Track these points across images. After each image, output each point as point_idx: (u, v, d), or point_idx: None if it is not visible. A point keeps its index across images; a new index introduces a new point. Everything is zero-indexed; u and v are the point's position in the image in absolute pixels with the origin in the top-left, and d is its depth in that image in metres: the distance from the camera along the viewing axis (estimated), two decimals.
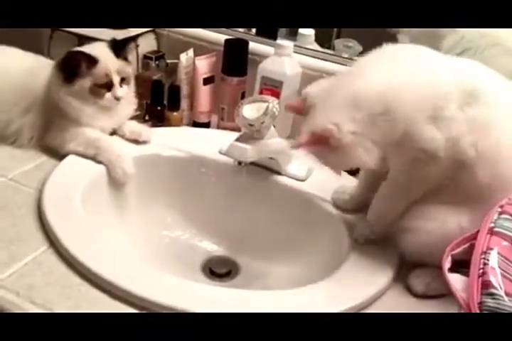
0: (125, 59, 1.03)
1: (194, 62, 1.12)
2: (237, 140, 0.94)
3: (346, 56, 1.27)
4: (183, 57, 1.13)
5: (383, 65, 0.79)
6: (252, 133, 0.94)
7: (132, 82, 1.05)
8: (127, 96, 1.03)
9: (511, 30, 1.09)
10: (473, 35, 1.11)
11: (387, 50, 0.81)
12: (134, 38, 1.09)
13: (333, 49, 1.24)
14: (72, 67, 0.97)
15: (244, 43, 1.11)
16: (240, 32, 1.20)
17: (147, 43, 1.23)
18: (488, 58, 1.08)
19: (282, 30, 1.25)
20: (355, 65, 0.84)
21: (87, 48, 1.00)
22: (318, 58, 1.13)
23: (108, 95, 0.99)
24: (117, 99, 1.00)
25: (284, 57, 1.06)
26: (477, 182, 0.76)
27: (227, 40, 1.12)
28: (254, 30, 1.22)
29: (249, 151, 0.93)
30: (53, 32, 1.17)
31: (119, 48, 1.02)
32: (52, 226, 0.83)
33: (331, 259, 0.89)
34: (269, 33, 1.19)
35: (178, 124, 1.16)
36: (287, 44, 1.05)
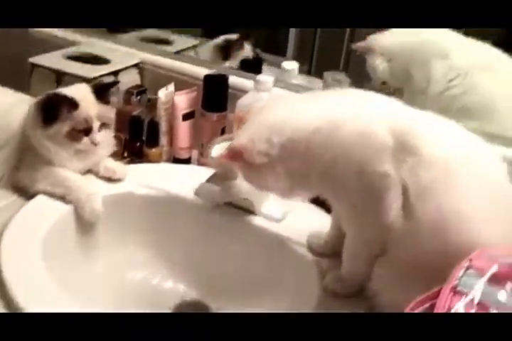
0: (107, 102, 1.01)
1: (173, 98, 1.10)
2: (208, 180, 0.91)
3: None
4: (161, 92, 1.10)
5: (330, 102, 0.76)
6: (223, 173, 0.91)
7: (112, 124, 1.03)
8: (105, 138, 1.01)
9: (496, 54, 1.08)
10: (461, 62, 1.09)
11: (346, 91, 0.79)
12: (117, 82, 1.08)
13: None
14: (52, 109, 0.94)
15: (224, 78, 1.09)
16: (223, 67, 1.19)
17: (130, 77, 1.22)
18: (477, 83, 1.07)
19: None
20: (308, 93, 0.82)
21: (68, 90, 0.98)
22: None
23: (85, 140, 0.96)
24: (95, 144, 0.97)
25: (263, 93, 1.03)
26: (424, 249, 0.69)
27: (206, 76, 1.09)
28: (238, 65, 1.20)
29: (219, 193, 0.89)
30: (33, 68, 1.17)
31: (100, 92, 1.00)
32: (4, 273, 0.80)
33: (303, 305, 0.84)
34: (253, 67, 1.17)
35: (158, 160, 1.13)
36: (266, 79, 1.02)
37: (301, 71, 1.33)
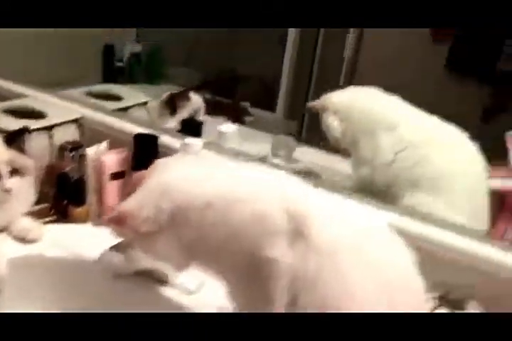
0: (21, 150, 0.98)
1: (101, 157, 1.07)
2: (113, 247, 0.86)
3: (280, 153, 1.23)
4: (90, 150, 1.07)
5: (230, 175, 0.72)
6: (128, 241, 0.85)
7: (31, 176, 0.99)
8: (21, 192, 0.96)
9: (444, 127, 1.05)
10: (409, 135, 1.07)
11: (252, 166, 0.75)
12: (26, 129, 1.04)
13: None
14: None
15: (154, 139, 1.06)
16: (162, 127, 1.17)
17: (68, 133, 1.18)
18: (426, 156, 1.04)
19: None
20: (215, 161, 0.78)
21: None
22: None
23: None
24: (6, 190, 0.93)
25: (190, 156, 0.99)
26: None
27: (136, 136, 1.06)
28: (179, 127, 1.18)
29: (122, 262, 0.84)
30: None
31: (11, 139, 0.97)
32: None
33: None
34: (192, 130, 1.14)
35: (84, 220, 1.08)
36: (193, 142, 0.99)
37: (291, 129, 1.33)
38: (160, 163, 0.78)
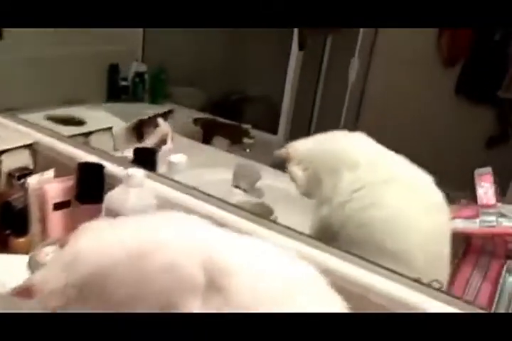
0: None
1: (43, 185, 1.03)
2: None
3: (243, 186, 1.18)
4: (33, 178, 1.03)
5: (140, 227, 0.66)
6: None
7: None
8: None
9: (408, 168, 0.99)
10: (369, 175, 1.00)
11: (166, 214, 0.69)
12: None
13: None
14: None
15: (99, 168, 1.01)
16: (117, 156, 1.12)
17: (20, 159, 1.14)
18: (382, 197, 0.97)
19: None
20: (129, 217, 0.72)
21: None
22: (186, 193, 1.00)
23: None
24: None
25: (132, 188, 0.94)
26: None
27: (80, 164, 1.01)
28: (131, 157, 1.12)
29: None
30: None
31: None
32: None
33: None
34: (145, 160, 1.09)
35: (26, 251, 1.03)
36: (135, 173, 0.94)
37: None
38: (80, 229, 0.73)
